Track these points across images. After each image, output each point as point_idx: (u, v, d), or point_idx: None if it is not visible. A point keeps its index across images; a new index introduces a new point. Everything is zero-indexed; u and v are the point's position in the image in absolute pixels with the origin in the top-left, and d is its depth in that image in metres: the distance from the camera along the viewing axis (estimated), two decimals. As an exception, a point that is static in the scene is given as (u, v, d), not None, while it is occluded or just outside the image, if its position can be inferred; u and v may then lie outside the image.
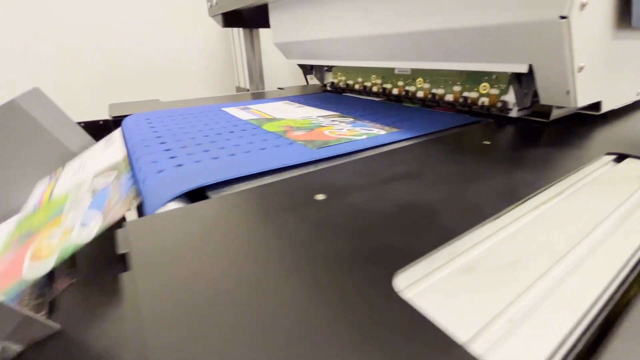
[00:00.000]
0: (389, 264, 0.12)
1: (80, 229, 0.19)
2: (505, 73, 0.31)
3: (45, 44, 0.72)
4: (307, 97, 0.54)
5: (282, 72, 0.87)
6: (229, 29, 0.80)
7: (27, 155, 0.35)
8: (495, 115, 0.34)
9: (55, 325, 0.17)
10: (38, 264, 0.17)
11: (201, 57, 0.83)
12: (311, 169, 0.22)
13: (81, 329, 0.16)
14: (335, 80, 0.56)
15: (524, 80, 0.30)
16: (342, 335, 0.09)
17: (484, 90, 0.34)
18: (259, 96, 0.57)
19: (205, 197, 0.19)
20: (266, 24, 0.69)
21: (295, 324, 0.09)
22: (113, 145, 0.31)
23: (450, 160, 0.23)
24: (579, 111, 0.33)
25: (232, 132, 0.31)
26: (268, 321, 0.10)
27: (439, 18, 0.30)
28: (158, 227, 0.15)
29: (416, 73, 0.41)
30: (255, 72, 0.70)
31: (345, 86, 0.54)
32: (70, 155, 0.37)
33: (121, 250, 0.14)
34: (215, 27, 0.84)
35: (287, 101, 0.50)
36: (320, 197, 0.17)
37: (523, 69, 0.26)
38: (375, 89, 0.48)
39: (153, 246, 0.14)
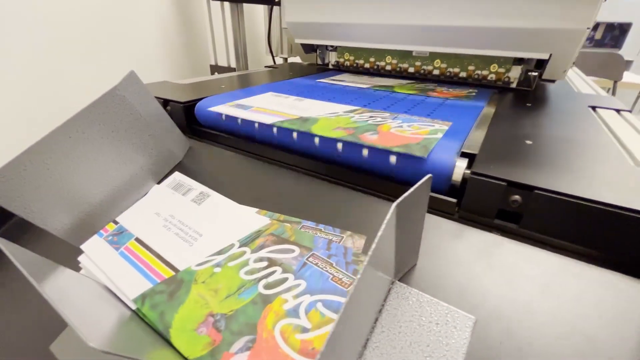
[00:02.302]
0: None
1: (425, 127, 0.29)
2: (509, 57, 0.47)
3: None
4: (292, 84, 0.59)
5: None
6: (195, 4, 0.71)
7: (122, 141, 0.30)
8: (497, 87, 0.50)
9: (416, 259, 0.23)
10: (429, 135, 0.27)
11: (154, 33, 0.70)
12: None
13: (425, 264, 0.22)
14: (341, 60, 0.62)
15: (523, 63, 0.46)
16: None
17: (494, 69, 0.49)
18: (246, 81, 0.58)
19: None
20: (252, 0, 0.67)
21: None
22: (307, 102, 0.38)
23: (530, 118, 0.36)
24: (540, 81, 0.52)
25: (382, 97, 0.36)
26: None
27: (479, 18, 0.42)
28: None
29: (434, 55, 0.53)
30: (241, 50, 0.67)
31: (353, 65, 0.61)
32: (159, 142, 0.33)
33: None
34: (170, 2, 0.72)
35: (273, 93, 0.45)
36: (528, 142, 0.28)
37: (545, 56, 0.41)
38: (389, 67, 0.57)
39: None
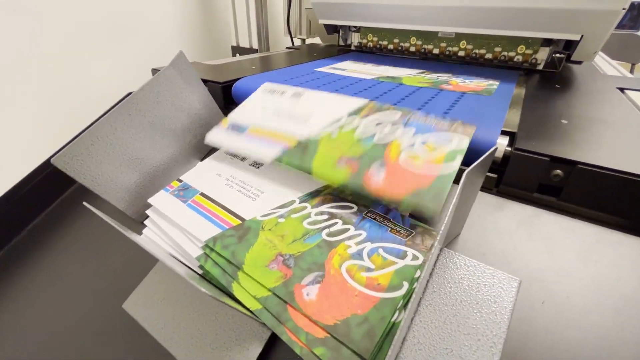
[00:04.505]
0: None
1: (442, 145, 0.24)
2: (538, 38, 0.47)
3: None
4: (351, 56, 0.59)
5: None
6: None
7: (173, 119, 0.32)
8: (522, 69, 0.50)
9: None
10: (444, 166, 0.22)
11: (175, 15, 0.70)
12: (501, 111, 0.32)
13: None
14: (364, 41, 0.62)
15: (552, 44, 0.47)
16: None
17: (521, 50, 0.49)
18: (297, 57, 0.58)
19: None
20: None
21: None
22: (306, 96, 0.33)
23: (564, 95, 0.37)
24: (567, 63, 0.52)
25: (390, 90, 0.37)
26: None
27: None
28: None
29: (460, 36, 0.53)
30: (263, 31, 0.67)
31: (376, 46, 0.61)
32: (203, 120, 0.35)
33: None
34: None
35: (349, 61, 0.54)
36: (564, 121, 0.29)
37: (576, 37, 0.41)
38: (413, 49, 0.58)
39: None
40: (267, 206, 0.26)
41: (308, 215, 0.25)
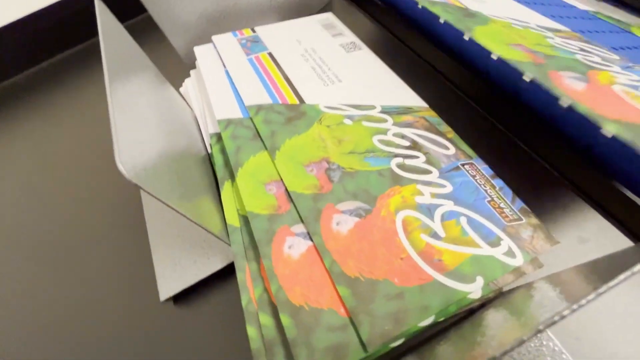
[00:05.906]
0: None
1: None
2: None
3: None
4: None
5: None
6: None
7: None
8: None
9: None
10: None
11: None
12: None
13: None
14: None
15: None
16: None
17: None
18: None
19: None
20: None
21: None
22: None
23: None
24: None
25: (608, 32, 0.23)
26: None
27: None
28: None
29: None
30: None
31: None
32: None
33: None
34: None
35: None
36: None
37: None
38: None
39: None
40: (338, 98, 0.20)
41: (384, 131, 0.18)
